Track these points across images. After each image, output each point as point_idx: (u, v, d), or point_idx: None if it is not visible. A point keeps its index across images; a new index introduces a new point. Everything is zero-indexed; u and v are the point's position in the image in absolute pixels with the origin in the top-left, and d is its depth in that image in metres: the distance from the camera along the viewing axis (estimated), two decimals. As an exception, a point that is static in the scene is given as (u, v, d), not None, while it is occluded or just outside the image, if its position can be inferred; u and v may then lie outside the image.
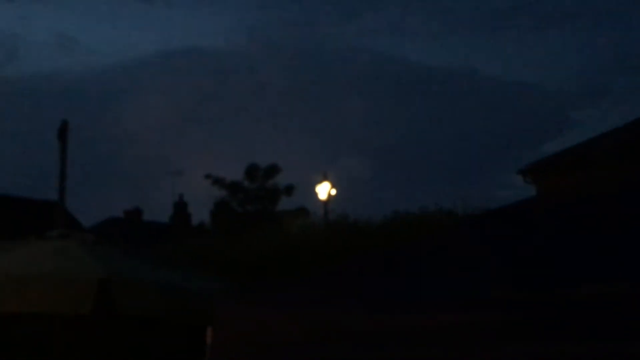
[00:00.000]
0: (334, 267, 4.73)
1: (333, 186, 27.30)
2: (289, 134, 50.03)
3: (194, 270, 8.44)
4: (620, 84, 61.75)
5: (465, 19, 64.51)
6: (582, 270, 3.02)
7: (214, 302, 5.12)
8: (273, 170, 32.58)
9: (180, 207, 34.85)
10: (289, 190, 32.44)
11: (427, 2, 63.86)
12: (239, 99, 53.13)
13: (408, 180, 44.96)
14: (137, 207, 36.13)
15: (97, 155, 37.21)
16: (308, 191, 28.71)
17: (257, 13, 67.63)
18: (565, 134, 46.84)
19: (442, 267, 3.53)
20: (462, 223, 6.51)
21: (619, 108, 48.73)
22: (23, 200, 28.63)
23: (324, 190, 27.06)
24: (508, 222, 4.14)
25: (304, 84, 53.68)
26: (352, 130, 52.27)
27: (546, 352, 2.64)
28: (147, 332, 5.92)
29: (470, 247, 3.79)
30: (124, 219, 34.78)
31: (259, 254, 13.55)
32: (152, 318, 5.65)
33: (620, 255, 3.17)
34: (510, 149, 45.14)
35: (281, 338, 3.40)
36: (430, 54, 74.28)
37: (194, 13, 68.63)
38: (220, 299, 3.97)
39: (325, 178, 27.32)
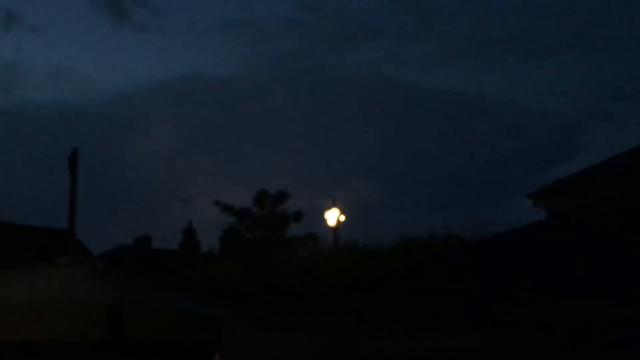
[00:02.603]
0: (343, 287, 4.68)
1: (342, 212, 27.27)
2: (297, 159, 50.14)
3: (203, 295, 8.41)
4: (620, 109, 62.45)
5: (459, 47, 65.18)
6: (601, 293, 2.98)
7: (222, 326, 5.10)
8: (282, 196, 32.61)
9: (190, 234, 34.85)
10: (298, 216, 32.41)
11: (420, 31, 64.52)
12: (245, 125, 53.38)
13: (416, 205, 44.91)
14: (147, 235, 36.18)
15: (106, 184, 37.38)
16: (317, 216, 28.71)
17: (255, 43, 68.06)
18: (570, 159, 46.99)
19: (456, 288, 3.49)
20: (473, 245, 6.46)
21: (620, 133, 49.13)
22: (33, 228, 28.70)
23: (332, 216, 27.03)
24: (522, 243, 4.10)
25: (312, 110, 53.94)
26: (360, 155, 52.35)
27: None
28: (156, 358, 5.89)
29: (483, 270, 3.75)
30: (133, 247, 34.79)
31: (268, 280, 13.49)
32: (161, 343, 5.62)
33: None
34: (517, 174, 45.09)
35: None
36: (434, 80, 74.95)
37: (189, 41, 69.28)
38: (228, 323, 3.94)
39: (334, 204, 27.30)
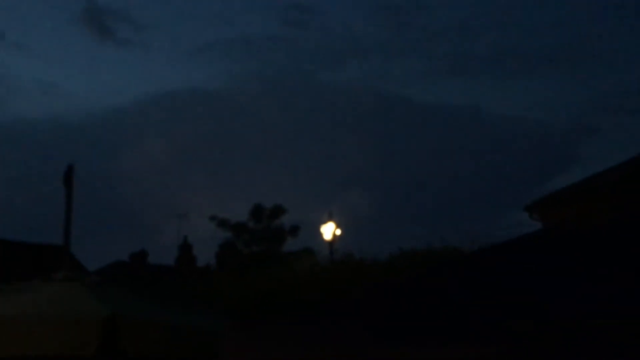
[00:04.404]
0: (337, 303, 4.70)
1: (338, 226, 27.22)
2: (293, 174, 50.17)
3: (198, 309, 8.39)
4: (607, 122, 62.88)
5: (445, 63, 65.58)
6: (596, 301, 3.00)
7: (219, 339, 5.08)
8: (278, 210, 32.58)
9: (186, 249, 34.74)
10: (294, 230, 32.38)
11: (405, 47, 64.97)
12: (240, 139, 53.41)
13: (412, 218, 44.93)
14: (143, 250, 36.05)
15: (101, 200, 37.31)
16: (313, 230, 28.67)
17: (242, 59, 68.01)
18: (565, 171, 47.18)
19: (452, 300, 3.51)
20: (470, 257, 6.48)
21: (612, 145, 49.48)
22: (27, 244, 28.61)
23: (328, 230, 26.99)
24: (517, 254, 4.12)
25: (306, 124, 54.05)
26: (356, 169, 52.41)
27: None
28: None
29: (479, 281, 3.78)
30: (129, 262, 34.68)
31: (264, 294, 13.48)
32: (157, 357, 5.61)
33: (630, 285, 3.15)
34: (513, 186, 45.18)
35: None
36: (426, 94, 75.37)
37: (176, 57, 69.25)
38: (225, 335, 3.95)
39: (330, 218, 27.25)
